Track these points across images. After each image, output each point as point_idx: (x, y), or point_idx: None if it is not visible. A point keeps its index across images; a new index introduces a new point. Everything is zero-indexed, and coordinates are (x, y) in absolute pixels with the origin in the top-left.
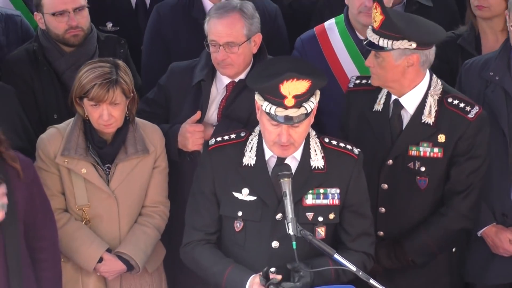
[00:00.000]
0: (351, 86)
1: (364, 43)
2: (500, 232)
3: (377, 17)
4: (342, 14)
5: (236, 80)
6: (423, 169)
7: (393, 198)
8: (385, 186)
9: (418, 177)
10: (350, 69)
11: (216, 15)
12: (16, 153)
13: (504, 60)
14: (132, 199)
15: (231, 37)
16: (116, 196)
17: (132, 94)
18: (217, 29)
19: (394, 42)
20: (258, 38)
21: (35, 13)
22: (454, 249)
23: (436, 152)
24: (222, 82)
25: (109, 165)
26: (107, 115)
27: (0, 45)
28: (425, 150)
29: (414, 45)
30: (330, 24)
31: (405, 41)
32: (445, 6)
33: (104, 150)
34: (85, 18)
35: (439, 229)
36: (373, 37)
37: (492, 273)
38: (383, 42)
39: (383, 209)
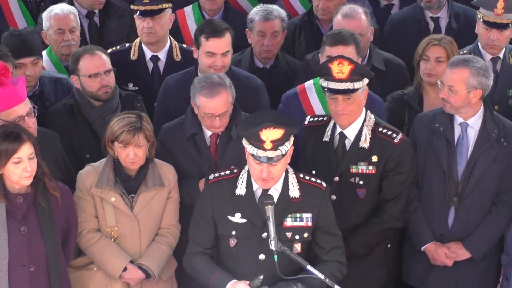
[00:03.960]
0: (306, 123)
1: (328, 90)
2: (438, 248)
3: (345, 69)
4: (319, 77)
5: (219, 132)
6: (361, 182)
7: (340, 206)
8: (334, 197)
9: (358, 189)
10: None
11: (206, 95)
12: (57, 183)
13: (447, 115)
14: (151, 222)
15: (224, 108)
16: (138, 219)
17: (152, 139)
18: (212, 105)
19: (361, 82)
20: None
21: (72, 75)
22: (389, 245)
23: (371, 169)
24: (206, 133)
25: (133, 195)
26: (133, 155)
27: (50, 102)
28: (362, 168)
29: (366, 80)
30: (309, 84)
31: (365, 78)
32: (398, 71)
33: (129, 183)
34: (112, 79)
35: (375, 228)
36: (347, 85)
37: (431, 280)
38: (356, 84)
39: None
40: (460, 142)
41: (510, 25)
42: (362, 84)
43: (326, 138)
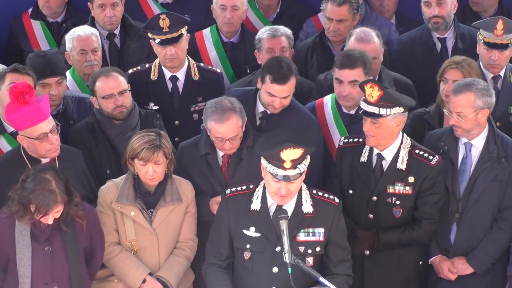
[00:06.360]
0: (341, 144)
1: (361, 112)
2: (442, 262)
3: (375, 93)
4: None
5: (230, 153)
6: (398, 202)
7: (376, 225)
8: (371, 216)
9: (394, 209)
10: (334, 133)
11: (216, 120)
12: (83, 203)
13: (453, 135)
14: (169, 236)
15: (233, 133)
16: (157, 233)
17: (171, 157)
18: (222, 130)
19: (391, 109)
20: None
21: (91, 96)
22: (420, 262)
23: (407, 190)
24: (219, 153)
25: (152, 210)
26: (152, 171)
27: (73, 120)
28: (399, 188)
29: (400, 109)
30: (327, 99)
31: (398, 107)
32: (406, 90)
33: (148, 198)
34: (128, 99)
35: (407, 238)
36: (373, 109)
37: None
38: (382, 111)
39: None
40: (464, 161)
41: (510, 45)
42: (390, 112)
43: (363, 159)
